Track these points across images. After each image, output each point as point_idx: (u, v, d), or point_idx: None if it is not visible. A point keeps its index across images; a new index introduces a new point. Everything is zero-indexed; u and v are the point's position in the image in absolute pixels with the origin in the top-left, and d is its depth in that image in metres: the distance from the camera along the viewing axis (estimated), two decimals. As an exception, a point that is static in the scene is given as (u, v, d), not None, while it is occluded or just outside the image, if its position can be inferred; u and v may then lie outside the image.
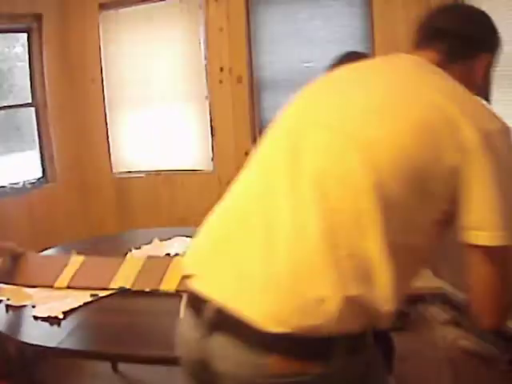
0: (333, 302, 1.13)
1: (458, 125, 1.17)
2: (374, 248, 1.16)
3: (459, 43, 1.42)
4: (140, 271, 2.54)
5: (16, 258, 2.67)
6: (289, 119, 1.42)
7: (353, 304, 1.14)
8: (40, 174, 5.13)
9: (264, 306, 1.17)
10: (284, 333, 1.14)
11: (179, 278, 2.41)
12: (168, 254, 2.84)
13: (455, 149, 1.17)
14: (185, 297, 1.39)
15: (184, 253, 1.50)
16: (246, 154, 4.74)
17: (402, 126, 1.21)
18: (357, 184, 1.18)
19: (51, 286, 2.48)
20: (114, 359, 2.77)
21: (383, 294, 1.16)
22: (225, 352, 1.23)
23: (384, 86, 1.32)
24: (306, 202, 1.21)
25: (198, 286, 1.31)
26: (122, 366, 3.36)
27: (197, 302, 1.30)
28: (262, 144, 1.47)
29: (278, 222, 1.23)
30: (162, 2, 4.91)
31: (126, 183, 5.27)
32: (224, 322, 1.22)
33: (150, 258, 2.69)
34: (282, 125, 1.43)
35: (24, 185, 4.93)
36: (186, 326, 1.35)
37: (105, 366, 3.34)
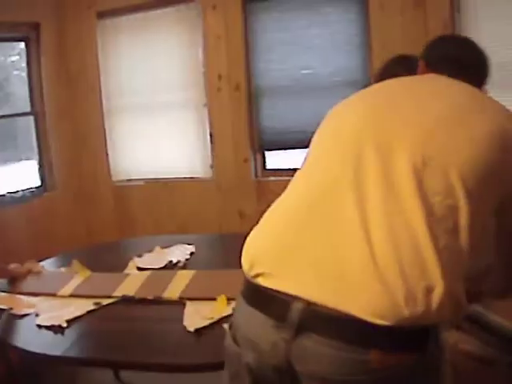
0: (438, 293, 1.16)
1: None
2: (464, 240, 1.23)
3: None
4: (143, 282, 2.55)
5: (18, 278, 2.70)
6: (356, 123, 1.42)
7: (450, 295, 1.18)
8: (39, 183, 5.13)
9: (366, 300, 1.17)
10: (386, 326, 1.15)
11: (183, 287, 2.43)
12: (171, 262, 2.85)
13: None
14: (249, 300, 1.35)
15: (243, 252, 1.45)
16: (245, 160, 4.75)
17: (477, 134, 1.29)
18: (450, 181, 1.24)
19: (54, 295, 2.49)
20: (118, 366, 2.77)
21: (463, 288, 1.22)
22: (318, 352, 1.21)
23: (451, 100, 1.40)
24: (406, 197, 1.23)
25: (275, 284, 1.28)
26: (124, 374, 3.36)
27: (274, 303, 1.27)
28: (318, 146, 1.49)
29: (373, 217, 1.23)
30: (160, 11, 4.91)
31: (125, 191, 5.27)
32: (314, 322, 1.20)
33: (153, 271, 2.70)
34: (347, 127, 1.44)
35: (23, 194, 4.93)
36: (255, 332, 1.32)
37: (107, 374, 3.34)
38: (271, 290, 1.28)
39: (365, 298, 1.17)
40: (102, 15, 5.07)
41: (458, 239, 1.22)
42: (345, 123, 1.46)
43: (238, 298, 1.44)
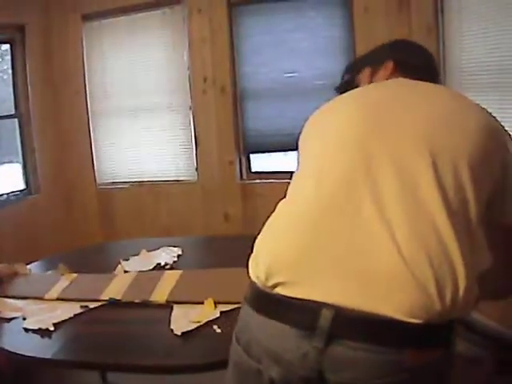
0: (463, 287, 1.17)
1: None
2: (475, 233, 1.26)
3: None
4: (130, 284, 2.54)
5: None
6: (357, 124, 1.41)
7: (471, 289, 1.20)
8: (23, 186, 5.11)
9: (400, 299, 1.16)
10: (418, 324, 1.15)
11: (169, 289, 2.43)
12: (158, 264, 2.84)
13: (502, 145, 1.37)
14: (267, 313, 1.29)
15: (254, 261, 1.40)
16: (230, 163, 4.77)
17: (472, 129, 1.34)
18: (459, 174, 1.26)
19: (41, 298, 2.49)
20: (107, 369, 2.76)
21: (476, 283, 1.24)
22: (353, 358, 1.18)
23: (441, 103, 1.43)
24: (424, 192, 1.24)
25: (298, 293, 1.24)
26: (110, 376, 3.36)
27: (300, 313, 1.23)
28: (320, 147, 1.46)
29: (392, 214, 1.23)
30: (145, 13, 4.93)
31: (109, 194, 5.27)
32: (346, 327, 1.18)
33: (140, 273, 2.70)
34: (347, 128, 1.42)
35: (7, 197, 4.91)
36: (279, 344, 1.26)
37: (93, 376, 3.33)
38: (295, 299, 1.24)
39: (399, 298, 1.16)
40: (87, 17, 5.08)
41: (470, 232, 1.24)
42: (343, 123, 1.44)
43: (248, 310, 1.38)
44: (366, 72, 1.77)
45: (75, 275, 2.71)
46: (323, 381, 1.23)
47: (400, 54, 1.75)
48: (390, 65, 1.71)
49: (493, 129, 1.37)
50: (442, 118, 1.36)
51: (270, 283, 1.29)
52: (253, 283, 1.37)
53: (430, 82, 1.56)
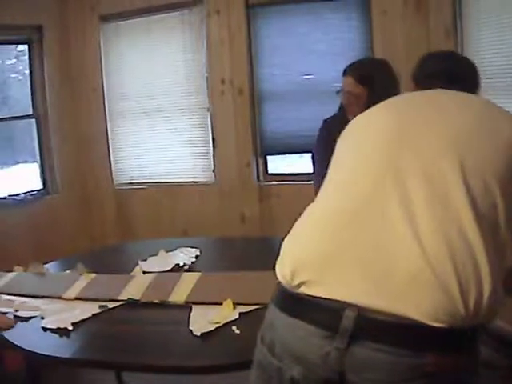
0: (487, 291, 1.17)
1: None
2: (503, 238, 1.25)
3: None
4: (149, 285, 2.55)
5: None
6: (387, 132, 1.42)
7: (496, 294, 1.19)
8: (41, 186, 5.13)
9: (425, 303, 1.15)
10: (441, 327, 1.15)
11: (188, 290, 2.43)
12: (177, 265, 2.84)
13: None
14: (291, 311, 1.30)
15: (280, 261, 1.40)
16: (247, 165, 4.76)
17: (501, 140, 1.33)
18: (487, 181, 1.26)
19: (59, 297, 2.49)
20: (125, 369, 2.76)
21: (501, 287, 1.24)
22: (375, 360, 1.18)
23: (473, 112, 1.42)
24: (452, 194, 1.24)
25: (322, 292, 1.24)
26: (126, 376, 3.35)
27: (323, 312, 1.23)
28: (351, 155, 1.48)
29: (419, 215, 1.22)
30: (163, 15, 4.92)
31: (127, 195, 5.27)
32: (369, 328, 1.18)
33: (159, 274, 2.70)
34: (378, 136, 1.43)
35: (25, 196, 4.93)
36: (302, 344, 1.27)
37: (108, 375, 3.32)
38: (318, 298, 1.24)
39: (422, 300, 1.16)
40: (104, 18, 5.09)
41: (498, 236, 1.24)
42: (374, 132, 1.45)
43: (273, 310, 1.38)
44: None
45: (93, 275, 2.72)
46: (345, 382, 1.23)
47: (420, 70, 1.83)
48: (412, 85, 1.78)
49: None
50: (474, 128, 1.36)
51: (295, 282, 1.30)
52: (279, 283, 1.38)
53: (460, 89, 1.54)
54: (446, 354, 1.18)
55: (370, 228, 1.26)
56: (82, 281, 2.66)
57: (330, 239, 1.30)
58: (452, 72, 1.75)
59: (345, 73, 2.85)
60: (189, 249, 3.08)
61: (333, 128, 2.34)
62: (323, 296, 1.23)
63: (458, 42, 4.09)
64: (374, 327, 1.18)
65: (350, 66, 2.87)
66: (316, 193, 1.49)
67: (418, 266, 1.18)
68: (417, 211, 1.23)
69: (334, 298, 1.22)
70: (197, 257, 2.98)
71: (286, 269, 1.34)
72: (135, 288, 2.51)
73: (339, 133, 1.59)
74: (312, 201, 1.49)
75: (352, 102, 2.76)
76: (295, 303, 1.31)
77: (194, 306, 2.27)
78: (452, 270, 1.16)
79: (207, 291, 2.43)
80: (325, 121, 3.02)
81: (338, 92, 2.87)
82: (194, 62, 4.90)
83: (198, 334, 2.01)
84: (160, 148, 5.16)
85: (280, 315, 1.34)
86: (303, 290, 1.28)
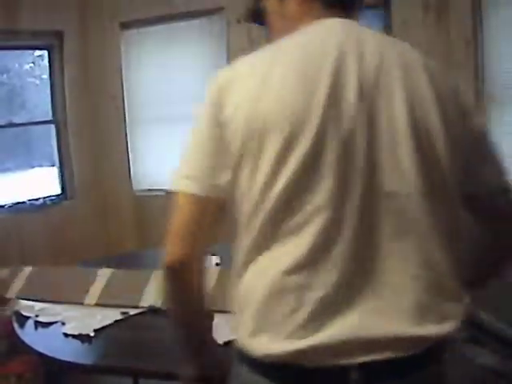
0: (462, 308, 1.18)
1: None
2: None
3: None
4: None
5: None
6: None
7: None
8: (59, 191, 5.16)
9: (414, 330, 1.12)
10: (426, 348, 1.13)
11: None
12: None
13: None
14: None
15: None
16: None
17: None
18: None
19: (80, 303, 2.49)
20: (146, 376, 2.75)
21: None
22: None
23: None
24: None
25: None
26: (141, 382, 3.33)
27: (324, 374, 1.13)
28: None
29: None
30: (184, 23, 4.95)
31: (146, 201, 5.28)
32: (376, 374, 1.11)
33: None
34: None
35: (43, 201, 4.95)
36: None
37: (124, 381, 3.30)
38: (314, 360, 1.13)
39: (414, 328, 1.13)
40: (125, 26, 5.12)
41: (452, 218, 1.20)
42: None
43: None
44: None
45: (110, 271, 2.71)
46: None
47: None
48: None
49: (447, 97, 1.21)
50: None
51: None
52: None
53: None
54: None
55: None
56: (100, 281, 2.63)
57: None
58: None
59: None
60: (209, 256, 3.06)
61: None
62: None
63: (479, 52, 4.08)
64: (380, 376, 1.13)
65: None
66: None
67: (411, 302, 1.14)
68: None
69: (335, 363, 1.13)
70: (217, 264, 2.97)
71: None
72: (156, 293, 2.50)
73: None
74: None
75: None
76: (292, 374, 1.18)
77: (217, 314, 2.26)
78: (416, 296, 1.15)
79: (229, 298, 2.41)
80: None
81: (244, 17, 2.72)
82: (214, 70, 4.88)
83: (221, 342, 2.00)
84: (179, 155, 5.13)
85: None
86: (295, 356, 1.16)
